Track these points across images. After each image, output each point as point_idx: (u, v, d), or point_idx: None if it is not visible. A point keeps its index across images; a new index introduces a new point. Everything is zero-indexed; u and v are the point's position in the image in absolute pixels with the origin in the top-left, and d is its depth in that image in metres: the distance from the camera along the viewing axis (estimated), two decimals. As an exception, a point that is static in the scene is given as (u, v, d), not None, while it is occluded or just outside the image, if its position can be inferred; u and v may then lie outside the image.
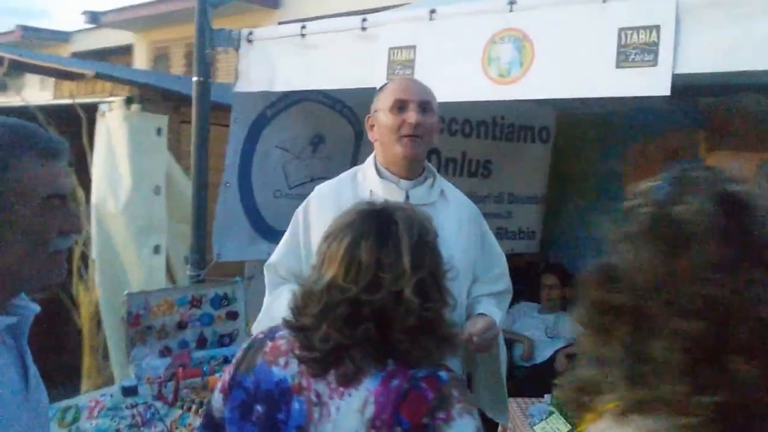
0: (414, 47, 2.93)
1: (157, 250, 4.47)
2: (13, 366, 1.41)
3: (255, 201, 3.75)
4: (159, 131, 4.31)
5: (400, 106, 2.25)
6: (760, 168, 4.48)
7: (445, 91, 3.00)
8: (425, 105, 2.28)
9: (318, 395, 1.43)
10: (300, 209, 2.46)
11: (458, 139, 4.50)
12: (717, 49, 2.28)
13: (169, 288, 3.91)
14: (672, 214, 0.88)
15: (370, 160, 2.42)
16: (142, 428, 2.76)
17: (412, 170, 2.31)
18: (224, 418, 1.55)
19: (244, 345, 1.63)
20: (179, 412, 2.90)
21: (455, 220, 2.30)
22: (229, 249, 3.70)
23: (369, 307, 1.40)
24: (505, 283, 2.52)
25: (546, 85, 2.60)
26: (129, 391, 2.98)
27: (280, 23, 7.71)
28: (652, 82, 2.42)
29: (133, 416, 2.80)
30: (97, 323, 4.76)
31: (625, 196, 0.98)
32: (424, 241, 1.48)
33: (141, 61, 14.45)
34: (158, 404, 2.94)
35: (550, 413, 3.16)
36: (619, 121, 4.74)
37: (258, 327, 2.43)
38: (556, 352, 4.40)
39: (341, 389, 1.42)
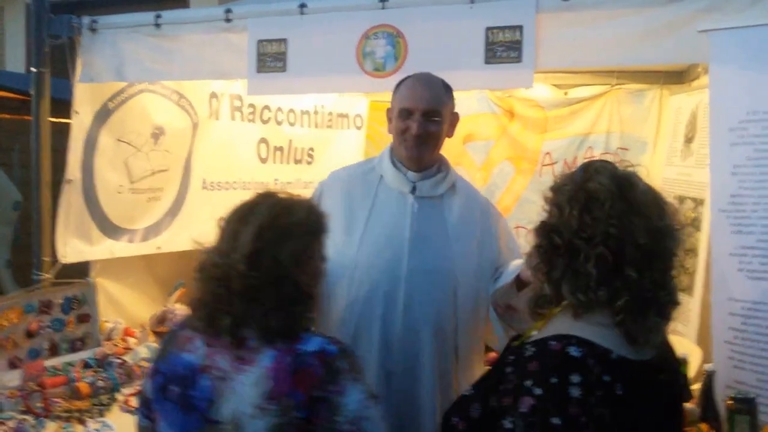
0: (285, 40, 3.02)
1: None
2: None
3: (98, 198, 3.57)
4: (-28, 126, 3.91)
5: (406, 115, 2.36)
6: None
7: (321, 84, 3.14)
8: (430, 113, 2.35)
9: (223, 372, 1.65)
10: (318, 190, 2.60)
11: (284, 128, 4.58)
12: (573, 47, 2.67)
13: (16, 295, 3.56)
14: (587, 188, 1.50)
15: (387, 148, 2.51)
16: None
17: (418, 166, 2.42)
18: (150, 399, 1.79)
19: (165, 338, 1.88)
20: (56, 423, 2.75)
21: (461, 212, 2.46)
22: (74, 249, 3.50)
23: (216, 272, 1.67)
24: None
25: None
26: (-9, 408, 2.76)
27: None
28: (517, 77, 2.76)
29: (5, 434, 2.62)
30: None
31: (555, 180, 1.61)
32: (277, 223, 1.68)
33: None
34: (29, 417, 2.76)
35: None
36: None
37: None
38: None
39: (240, 366, 1.64)
